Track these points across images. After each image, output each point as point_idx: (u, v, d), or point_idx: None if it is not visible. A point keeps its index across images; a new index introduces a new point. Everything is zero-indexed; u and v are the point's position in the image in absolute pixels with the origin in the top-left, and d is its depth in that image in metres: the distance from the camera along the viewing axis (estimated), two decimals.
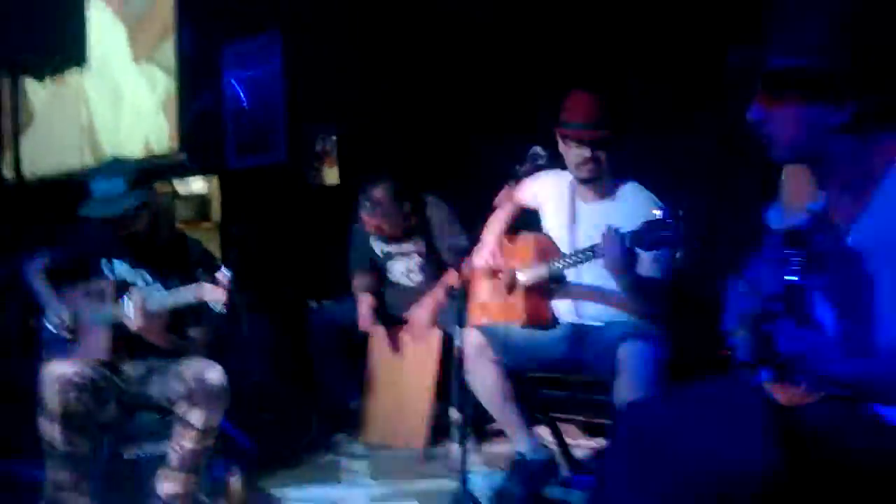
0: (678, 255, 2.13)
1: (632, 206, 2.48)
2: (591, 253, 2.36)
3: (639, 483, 1.38)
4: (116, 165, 2.66)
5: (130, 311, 2.41)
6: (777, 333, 1.33)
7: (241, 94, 4.63)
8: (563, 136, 2.53)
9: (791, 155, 1.44)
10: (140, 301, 2.41)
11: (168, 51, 4.51)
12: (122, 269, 2.59)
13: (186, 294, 2.37)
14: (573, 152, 2.52)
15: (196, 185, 5.37)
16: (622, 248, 2.22)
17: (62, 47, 3.21)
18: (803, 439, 1.36)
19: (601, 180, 2.56)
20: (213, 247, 4.54)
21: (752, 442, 1.37)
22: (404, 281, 3.52)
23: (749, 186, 1.79)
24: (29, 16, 3.35)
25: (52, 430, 2.27)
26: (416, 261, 3.48)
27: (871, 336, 1.31)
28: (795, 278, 1.32)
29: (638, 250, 2.23)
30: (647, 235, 2.14)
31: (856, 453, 1.32)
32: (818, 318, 1.36)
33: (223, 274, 2.32)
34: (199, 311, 2.43)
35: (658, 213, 2.10)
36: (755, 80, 1.39)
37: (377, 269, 3.57)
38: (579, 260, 2.45)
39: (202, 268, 2.44)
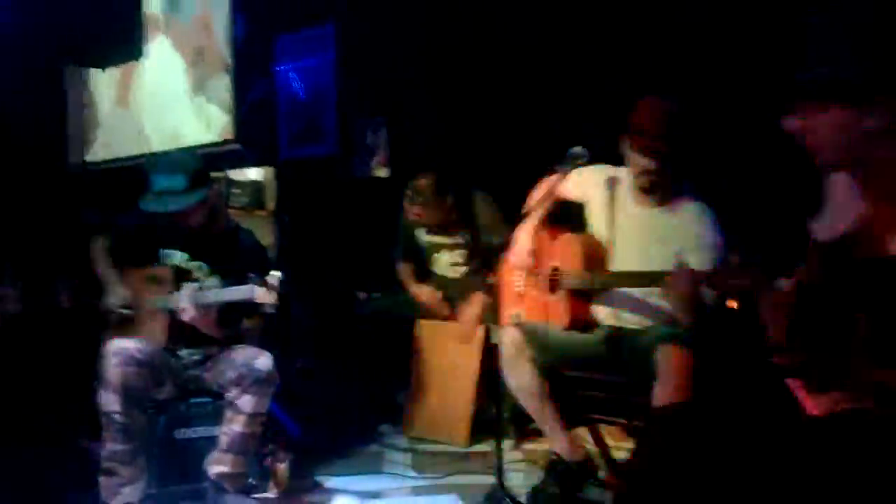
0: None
1: (688, 222, 2.43)
2: (657, 280, 2.26)
3: (666, 485, 1.41)
4: (178, 161, 2.67)
5: (183, 302, 2.51)
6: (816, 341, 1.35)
7: (295, 85, 4.72)
8: (630, 143, 2.46)
9: (832, 160, 1.45)
10: (193, 294, 2.51)
11: (222, 87, 4.62)
12: (180, 259, 2.69)
13: (238, 293, 2.46)
14: (637, 160, 2.45)
15: (251, 173, 5.51)
16: (691, 290, 2.15)
17: (119, 39, 3.37)
18: (834, 451, 1.38)
19: (659, 189, 2.49)
20: (267, 234, 4.64)
21: (781, 453, 1.39)
22: (449, 273, 3.57)
23: (796, 196, 1.77)
24: (89, 8, 3.51)
25: (111, 402, 2.36)
26: (460, 253, 3.53)
27: None
28: (839, 288, 1.33)
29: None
30: (721, 280, 2.03)
31: (887, 465, 1.33)
32: (854, 326, 1.37)
33: (274, 276, 2.41)
34: (251, 306, 2.50)
35: (734, 258, 2.00)
36: (790, 89, 1.41)
37: (422, 260, 3.63)
38: (639, 283, 2.39)
39: (255, 266, 2.53)
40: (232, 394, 2.48)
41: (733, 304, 2.01)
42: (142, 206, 2.54)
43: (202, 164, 2.68)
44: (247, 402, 2.46)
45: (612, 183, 2.63)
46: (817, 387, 1.47)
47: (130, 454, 2.39)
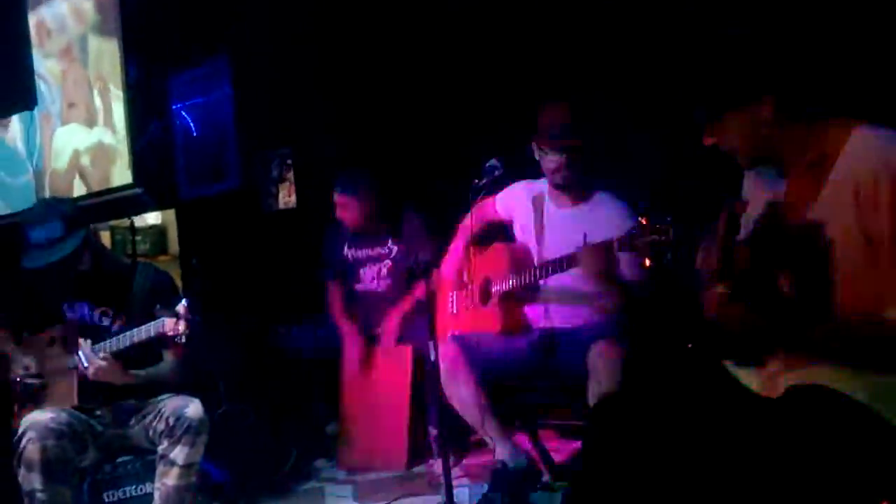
0: (668, 257, 2.14)
1: (605, 213, 2.55)
2: (568, 263, 2.40)
3: (611, 477, 1.44)
4: (50, 209, 2.57)
5: (83, 360, 2.39)
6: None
7: (191, 123, 4.60)
8: (540, 146, 2.58)
9: (752, 161, 1.56)
10: (89, 348, 2.39)
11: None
12: (83, 310, 2.56)
13: (145, 332, 2.36)
14: (549, 159, 2.57)
15: (150, 217, 5.31)
16: (602, 255, 2.27)
17: (11, 91, 3.24)
18: (776, 428, 1.44)
19: (575, 187, 2.62)
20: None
21: (718, 432, 1.45)
22: (373, 286, 3.50)
23: (713, 185, 1.88)
24: None
25: (32, 481, 2.23)
26: (386, 266, 3.48)
27: (831, 303, 1.41)
28: (762, 264, 1.41)
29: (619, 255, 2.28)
30: (637, 241, 2.15)
31: (831, 441, 1.40)
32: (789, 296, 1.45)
33: (183, 306, 2.32)
34: (164, 341, 2.41)
35: (644, 220, 2.12)
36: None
37: (348, 278, 3.56)
38: (555, 270, 2.48)
39: (161, 298, 2.43)
40: (163, 446, 2.37)
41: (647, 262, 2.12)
42: (24, 265, 2.43)
43: (74, 206, 2.62)
44: (179, 453, 2.35)
45: (533, 194, 2.75)
46: (754, 362, 1.55)
47: None
